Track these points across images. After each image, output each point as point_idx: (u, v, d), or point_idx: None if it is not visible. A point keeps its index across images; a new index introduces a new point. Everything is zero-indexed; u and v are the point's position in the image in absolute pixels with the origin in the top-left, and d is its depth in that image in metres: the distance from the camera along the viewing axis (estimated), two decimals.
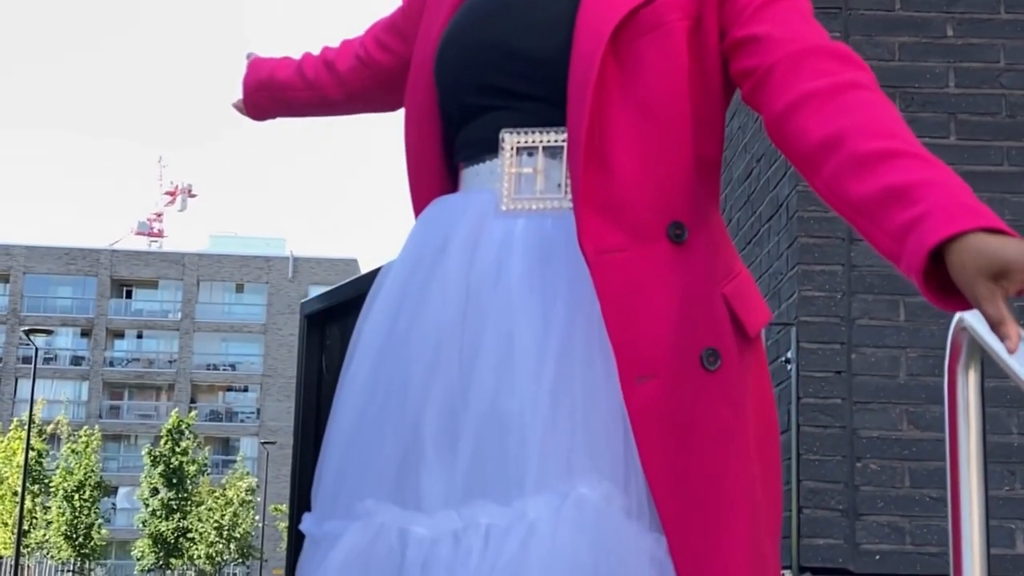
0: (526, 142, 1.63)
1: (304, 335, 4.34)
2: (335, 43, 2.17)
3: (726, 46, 1.62)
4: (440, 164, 1.78)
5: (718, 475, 1.55)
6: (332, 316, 4.33)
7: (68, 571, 51.15)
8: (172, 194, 77.78)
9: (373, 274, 4.10)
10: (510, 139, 1.64)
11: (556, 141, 1.62)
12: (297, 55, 2.20)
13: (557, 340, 1.53)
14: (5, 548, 43.39)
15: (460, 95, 1.71)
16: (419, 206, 1.79)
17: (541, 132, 1.63)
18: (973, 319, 1.62)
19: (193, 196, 79.19)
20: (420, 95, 1.77)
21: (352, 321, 4.77)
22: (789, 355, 4.45)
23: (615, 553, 1.44)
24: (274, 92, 2.17)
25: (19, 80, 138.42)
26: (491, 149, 1.66)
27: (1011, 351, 1.28)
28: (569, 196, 1.60)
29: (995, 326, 1.31)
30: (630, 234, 1.57)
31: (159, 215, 77.71)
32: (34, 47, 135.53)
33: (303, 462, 4.26)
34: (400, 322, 1.65)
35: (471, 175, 1.70)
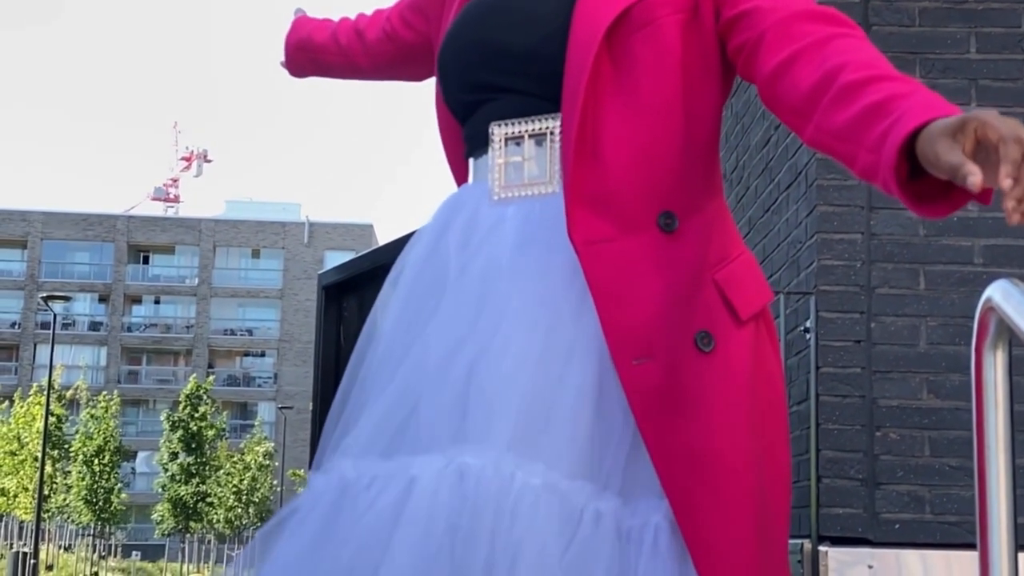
0: (513, 132, 1.69)
1: (322, 306, 4.34)
2: (357, 8, 2.25)
3: (720, 28, 1.69)
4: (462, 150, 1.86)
5: (719, 449, 1.60)
6: (349, 287, 4.32)
7: (88, 535, 51.58)
8: (188, 159, 77.84)
9: (389, 246, 4.09)
10: (499, 131, 1.70)
11: (541, 129, 1.67)
12: (331, 15, 2.29)
13: (541, 325, 1.58)
14: (26, 513, 43.74)
15: (456, 93, 1.79)
16: (458, 181, 1.89)
17: (527, 121, 1.69)
18: (1001, 299, 1.60)
19: (209, 161, 79.28)
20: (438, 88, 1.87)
21: (369, 292, 4.81)
22: (808, 324, 4.43)
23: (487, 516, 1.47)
24: (311, 53, 2.29)
25: (35, 48, 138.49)
26: (486, 142, 1.72)
27: (975, 187, 1.32)
28: (556, 180, 1.65)
29: (955, 170, 1.34)
30: (619, 225, 1.62)
31: (175, 180, 77.78)
32: (49, 16, 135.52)
33: (322, 432, 4.28)
34: (407, 313, 1.72)
35: (475, 168, 1.77)
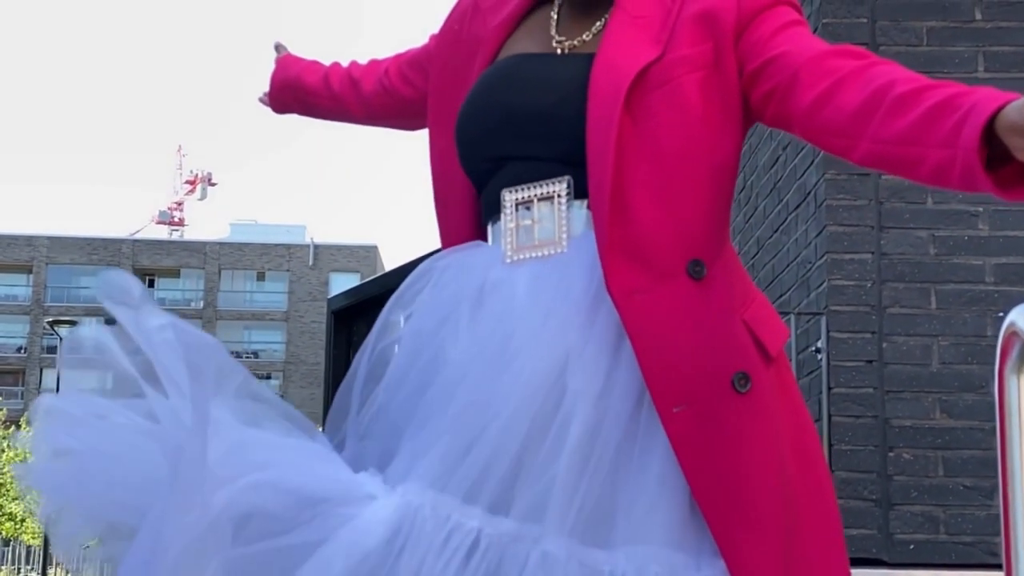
0: (523, 197, 1.76)
1: (331, 331, 4.33)
2: (350, 55, 2.27)
3: (746, 79, 1.72)
4: (470, 201, 1.90)
5: (757, 488, 1.64)
6: (359, 312, 4.32)
7: (95, 559, 51.39)
8: (192, 183, 77.90)
9: (398, 271, 4.09)
10: (510, 197, 1.77)
11: (549, 192, 1.74)
12: (319, 55, 2.32)
13: (577, 384, 1.64)
14: (33, 538, 43.66)
15: (475, 161, 1.84)
16: (446, 232, 1.92)
17: (537, 186, 1.75)
18: (1023, 322, 1.59)
19: (213, 184, 79.28)
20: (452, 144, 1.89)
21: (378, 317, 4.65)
22: (819, 344, 4.42)
23: None
24: (299, 94, 2.29)
25: (38, 70, 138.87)
26: (499, 208, 1.79)
27: None
28: (565, 240, 1.72)
29: None
30: (652, 275, 1.67)
31: (179, 204, 77.89)
32: (52, 39, 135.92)
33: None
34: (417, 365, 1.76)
35: (492, 235, 1.82)
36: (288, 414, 1.72)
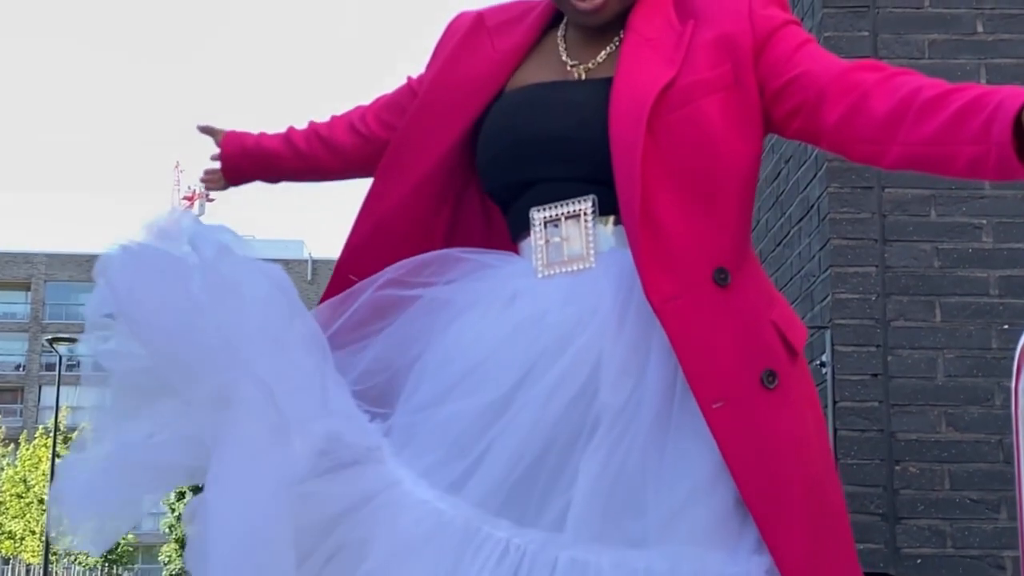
0: (551, 216, 1.86)
1: None
2: (325, 109, 2.31)
3: (768, 97, 1.83)
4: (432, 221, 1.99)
5: (791, 480, 1.75)
6: None
7: None
8: (190, 199, 77.86)
9: None
10: (538, 215, 1.86)
11: (576, 211, 1.84)
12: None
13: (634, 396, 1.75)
14: (33, 556, 43.59)
15: (499, 184, 1.93)
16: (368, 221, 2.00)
17: (563, 204, 1.85)
18: None
19: (211, 200, 79.31)
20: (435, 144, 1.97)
21: None
22: (824, 358, 4.41)
23: None
24: (259, 160, 2.33)
25: (33, 86, 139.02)
26: (527, 226, 1.89)
27: None
28: (593, 256, 1.82)
29: None
30: (682, 284, 1.77)
31: None
32: (47, 53, 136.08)
33: None
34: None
35: (522, 250, 1.92)
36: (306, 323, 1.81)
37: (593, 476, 1.70)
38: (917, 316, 4.32)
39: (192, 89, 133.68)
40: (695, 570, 1.68)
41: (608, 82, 1.85)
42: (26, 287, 64.88)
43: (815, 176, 4.58)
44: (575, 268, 1.84)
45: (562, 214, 1.85)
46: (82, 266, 65.25)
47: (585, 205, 1.84)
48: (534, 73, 1.96)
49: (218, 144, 2.36)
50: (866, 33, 4.48)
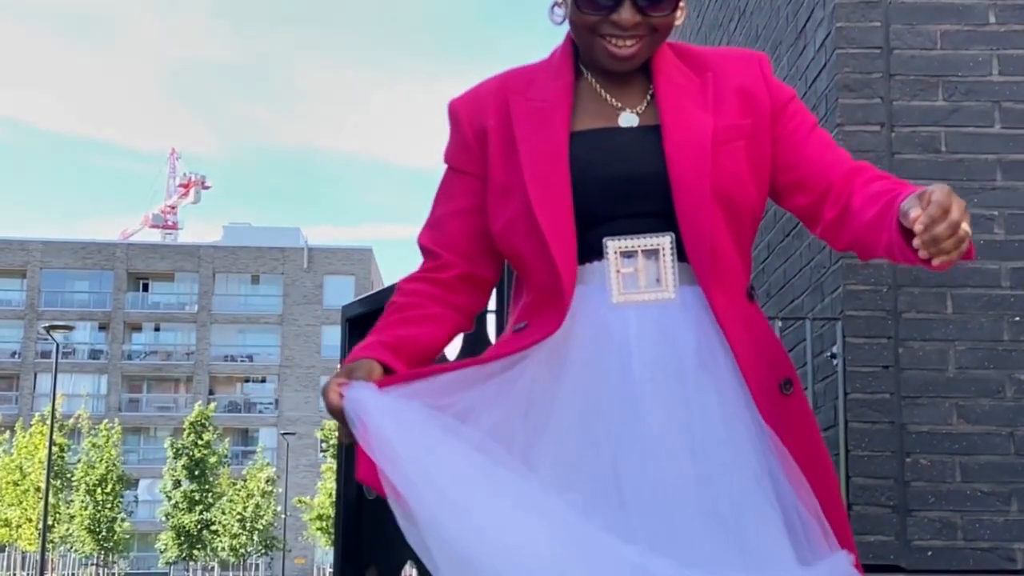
0: (626, 247, 2.03)
1: (345, 339, 4.29)
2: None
3: (780, 168, 2.10)
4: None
5: (819, 470, 2.01)
6: (373, 320, 4.26)
7: (92, 564, 51.38)
8: (186, 186, 77.78)
9: None
10: (612, 245, 2.03)
11: (654, 245, 2.03)
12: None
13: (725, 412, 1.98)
14: (29, 544, 43.60)
15: (580, 216, 2.04)
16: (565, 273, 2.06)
17: (638, 238, 2.03)
18: None
19: (207, 188, 79.22)
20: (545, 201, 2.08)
21: None
22: (835, 350, 4.40)
23: None
24: (422, 358, 2.13)
25: (32, 73, 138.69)
26: (597, 253, 2.04)
27: (908, 222, 1.75)
28: (673, 288, 2.02)
29: (904, 214, 1.77)
30: (730, 298, 2.04)
31: (173, 208, 77.75)
32: (46, 43, 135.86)
33: (348, 467, 4.21)
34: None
35: (587, 272, 2.05)
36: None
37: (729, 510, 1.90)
38: (929, 308, 4.31)
39: (189, 75, 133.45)
40: None
41: (658, 128, 2.05)
42: (22, 274, 64.76)
43: None
44: (648, 298, 2.02)
45: (639, 247, 2.02)
46: (78, 253, 65.16)
47: (664, 240, 2.02)
48: (588, 119, 2.10)
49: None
50: (878, 24, 4.46)
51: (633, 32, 2.04)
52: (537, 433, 1.96)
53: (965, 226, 1.75)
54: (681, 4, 2.08)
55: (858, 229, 1.95)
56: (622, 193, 2.03)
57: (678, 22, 2.09)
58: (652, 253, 2.02)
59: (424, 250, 2.18)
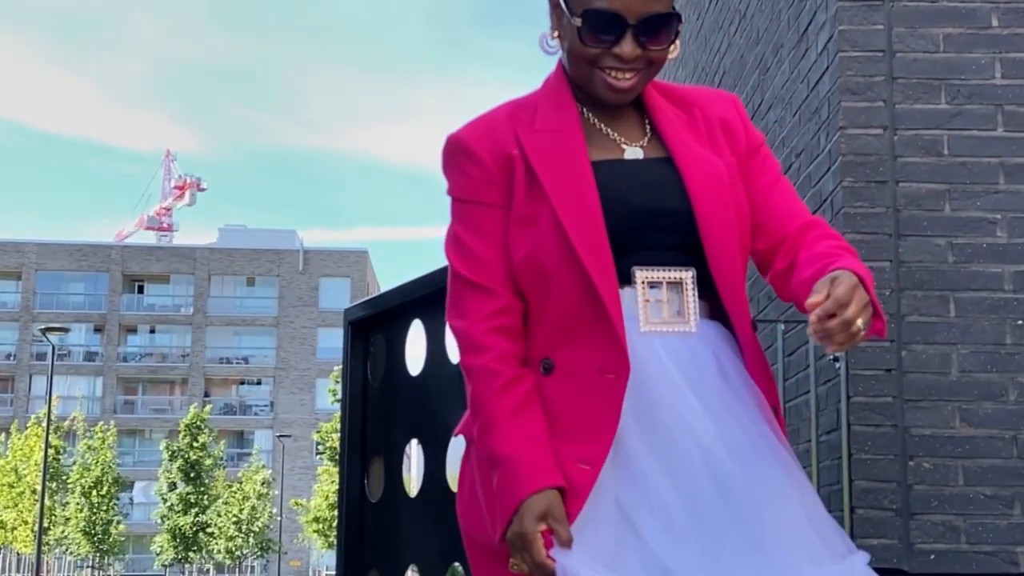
0: (653, 278, 2.08)
1: (348, 343, 4.28)
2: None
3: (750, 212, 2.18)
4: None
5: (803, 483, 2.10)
6: (376, 323, 4.26)
7: (87, 567, 51.30)
8: (181, 188, 77.73)
9: (416, 282, 4.04)
10: (640, 274, 2.07)
11: (677, 278, 2.08)
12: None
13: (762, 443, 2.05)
14: (25, 546, 43.53)
15: (613, 243, 2.07)
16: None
17: (664, 270, 2.08)
18: None
19: (203, 190, 79.17)
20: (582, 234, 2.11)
21: (396, 328, 4.70)
22: (837, 353, 4.39)
23: None
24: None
25: (26, 75, 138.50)
26: (625, 280, 2.07)
27: (807, 307, 1.82)
28: (694, 322, 2.08)
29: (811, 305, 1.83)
30: (747, 331, 2.14)
31: (168, 210, 77.69)
32: (37, 44, 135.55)
33: (351, 471, 4.21)
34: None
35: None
36: None
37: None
38: (931, 311, 4.30)
39: (183, 76, 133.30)
40: None
41: (669, 160, 2.12)
42: (17, 276, 64.72)
43: (828, 170, 4.57)
44: (671, 329, 2.06)
45: (664, 278, 2.07)
46: (73, 255, 65.11)
47: (687, 275, 2.08)
48: (596, 151, 2.12)
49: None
50: (880, 27, 4.46)
51: (632, 65, 2.08)
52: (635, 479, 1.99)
53: (860, 323, 1.80)
54: (677, 40, 2.12)
55: (795, 285, 2.03)
56: (649, 225, 2.07)
57: (672, 55, 2.13)
58: (675, 285, 2.08)
59: (476, 286, 2.09)
